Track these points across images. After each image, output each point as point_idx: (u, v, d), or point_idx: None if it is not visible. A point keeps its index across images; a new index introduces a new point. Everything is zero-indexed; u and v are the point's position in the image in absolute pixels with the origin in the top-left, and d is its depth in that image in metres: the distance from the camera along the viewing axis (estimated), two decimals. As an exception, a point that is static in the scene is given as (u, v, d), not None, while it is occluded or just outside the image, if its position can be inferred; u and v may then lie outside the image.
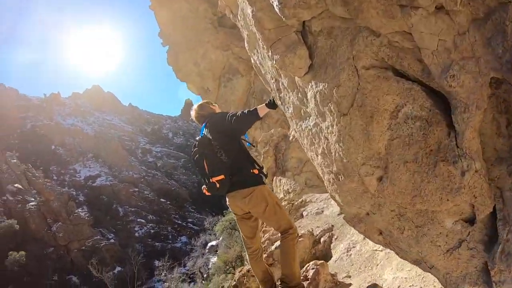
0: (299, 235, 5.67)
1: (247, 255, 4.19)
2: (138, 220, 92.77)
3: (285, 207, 7.94)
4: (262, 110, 3.87)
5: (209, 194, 3.97)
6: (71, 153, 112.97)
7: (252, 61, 4.11)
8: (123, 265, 67.35)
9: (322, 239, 5.70)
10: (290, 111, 3.58)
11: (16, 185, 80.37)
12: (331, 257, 5.23)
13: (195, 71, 16.31)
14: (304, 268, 4.29)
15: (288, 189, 8.71)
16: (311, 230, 5.93)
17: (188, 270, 60.62)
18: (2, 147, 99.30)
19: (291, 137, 9.32)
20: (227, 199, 4.01)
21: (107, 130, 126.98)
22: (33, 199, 79.35)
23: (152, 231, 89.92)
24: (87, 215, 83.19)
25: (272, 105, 4.07)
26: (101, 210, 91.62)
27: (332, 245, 5.44)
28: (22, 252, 62.24)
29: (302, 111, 3.28)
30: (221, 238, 48.83)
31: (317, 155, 3.18)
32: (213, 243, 57.37)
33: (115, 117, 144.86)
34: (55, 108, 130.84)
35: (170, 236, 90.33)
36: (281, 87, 3.57)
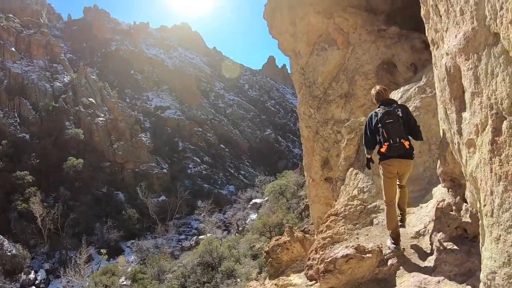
0: (368, 250, 5.41)
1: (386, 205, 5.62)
2: (194, 158, 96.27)
3: (356, 207, 7.47)
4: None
5: (386, 152, 5.32)
6: (148, 81, 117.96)
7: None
8: (168, 196, 70.68)
9: (389, 262, 5.23)
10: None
11: (90, 99, 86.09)
12: (393, 286, 4.90)
13: (290, 31, 15.83)
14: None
15: (363, 187, 8.11)
16: (380, 247, 5.52)
17: (226, 218, 62.87)
18: (85, 62, 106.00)
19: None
20: (392, 161, 5.39)
21: (187, 67, 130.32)
22: (102, 115, 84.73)
23: (204, 172, 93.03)
24: (148, 141, 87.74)
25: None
26: (162, 140, 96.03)
27: (398, 272, 4.99)
28: (81, 160, 67.16)
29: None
30: (266, 199, 49.88)
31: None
32: (258, 200, 58.77)
33: (197, 56, 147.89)
34: (141, 37, 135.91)
35: (219, 182, 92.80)
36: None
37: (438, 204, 5.14)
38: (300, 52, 15.28)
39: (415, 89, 8.77)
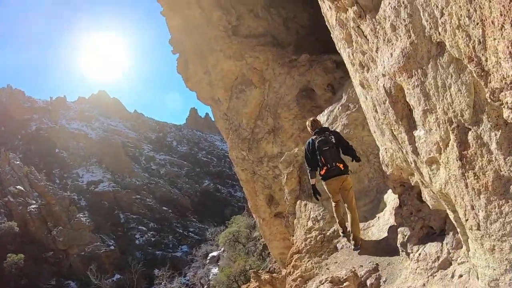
0: (344, 278, 5.29)
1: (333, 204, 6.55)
2: (139, 227, 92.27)
3: (316, 238, 7.26)
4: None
5: (324, 174, 6.22)
6: (74, 157, 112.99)
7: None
8: (122, 273, 66.67)
9: (368, 282, 5.07)
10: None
11: (18, 186, 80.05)
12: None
13: (205, 80, 15.90)
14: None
15: (316, 216, 7.93)
16: (354, 270, 5.32)
17: (188, 280, 60.14)
18: (6, 148, 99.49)
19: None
20: (331, 181, 6.26)
21: (111, 135, 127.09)
22: (34, 202, 78.93)
23: (153, 239, 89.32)
24: (88, 220, 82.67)
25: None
26: (102, 216, 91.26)
27: (381, 289, 4.85)
28: (21, 255, 61.49)
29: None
30: (222, 249, 48.50)
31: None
32: (215, 253, 57.03)
33: (120, 123, 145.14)
34: (60, 112, 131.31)
35: (171, 245, 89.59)
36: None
37: (396, 211, 5.21)
38: (220, 98, 15.33)
39: (338, 108, 9.00)
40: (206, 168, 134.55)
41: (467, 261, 3.56)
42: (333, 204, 6.56)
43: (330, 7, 4.27)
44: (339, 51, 4.94)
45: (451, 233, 4.09)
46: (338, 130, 8.02)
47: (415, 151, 3.32)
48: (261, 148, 13.58)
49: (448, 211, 3.44)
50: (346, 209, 6.38)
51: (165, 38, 17.77)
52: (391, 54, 3.11)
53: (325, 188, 6.48)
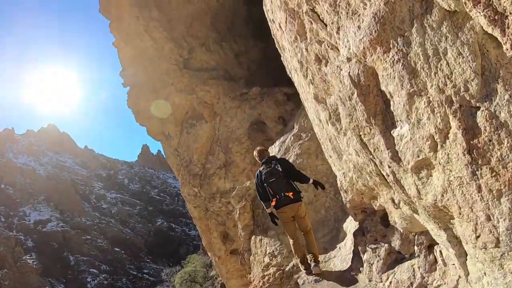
0: None
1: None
2: (91, 270, 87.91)
3: (274, 274, 6.84)
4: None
5: (276, 205, 6.08)
6: (21, 194, 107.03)
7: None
8: (74, 321, 63.23)
9: None
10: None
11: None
12: None
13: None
14: None
15: (273, 251, 7.53)
16: None
17: (147, 326, 57.43)
18: None
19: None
20: (284, 209, 6.07)
21: (61, 172, 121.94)
22: (-24, 244, 73.67)
23: (105, 282, 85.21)
24: (35, 262, 78.14)
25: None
26: (50, 258, 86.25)
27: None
28: (-35, 301, 56.98)
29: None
30: (179, 291, 46.80)
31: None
32: (172, 295, 54.89)
33: (70, 159, 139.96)
34: (7, 144, 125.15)
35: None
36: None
37: (359, 239, 4.95)
38: (170, 133, 14.99)
39: (290, 138, 8.90)
40: (159, 207, 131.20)
41: (444, 284, 3.29)
42: (291, 242, 6.30)
43: (274, 20, 4.07)
44: (289, 75, 4.79)
45: (422, 255, 3.81)
46: (291, 161, 7.89)
47: (395, 157, 2.60)
48: (213, 184, 13.28)
49: (436, 231, 2.79)
50: (303, 235, 6.26)
51: (118, 71, 17.28)
52: (359, 27, 2.48)
53: (281, 222, 6.30)
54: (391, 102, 2.43)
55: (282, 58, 4.86)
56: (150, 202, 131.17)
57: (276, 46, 5.04)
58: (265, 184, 6.13)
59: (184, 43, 14.77)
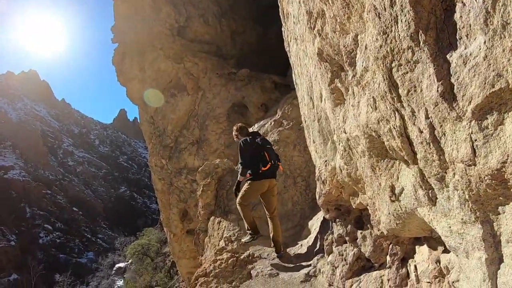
0: None
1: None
2: (45, 225, 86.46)
3: (227, 261, 6.56)
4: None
5: (266, 170, 5.95)
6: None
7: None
8: (20, 273, 62.21)
9: None
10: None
11: None
12: None
13: (139, 77, 15.08)
14: None
15: (230, 236, 7.16)
16: None
17: (90, 290, 56.78)
18: None
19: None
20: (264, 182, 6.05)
21: (33, 120, 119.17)
22: None
23: (58, 240, 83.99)
24: (-11, 208, 76.54)
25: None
26: (7, 206, 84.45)
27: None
28: None
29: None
30: (130, 261, 46.40)
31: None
32: (121, 265, 54.60)
33: (44, 109, 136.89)
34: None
35: (76, 250, 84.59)
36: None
37: (327, 238, 4.63)
38: (150, 99, 14.59)
39: (271, 123, 8.71)
40: (125, 174, 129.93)
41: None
42: (242, 205, 6.27)
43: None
44: (287, 48, 4.43)
45: (393, 267, 3.49)
46: None
47: (447, 95, 1.70)
48: (182, 159, 12.99)
49: (460, 227, 1.99)
50: (268, 217, 6.23)
51: (110, 26, 16.65)
52: None
53: (248, 190, 6.14)
54: (458, 6, 1.61)
55: (283, 29, 4.58)
56: (117, 168, 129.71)
57: (280, 14, 4.73)
58: (262, 149, 6.06)
59: (183, 9, 14.37)
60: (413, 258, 3.26)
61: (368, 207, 3.49)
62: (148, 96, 14.36)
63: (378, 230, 3.43)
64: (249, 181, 6.12)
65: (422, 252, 3.15)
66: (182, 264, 15.62)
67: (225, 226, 7.77)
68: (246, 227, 6.45)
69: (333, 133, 3.60)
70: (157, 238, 41.99)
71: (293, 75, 5.79)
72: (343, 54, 2.84)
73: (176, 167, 13.20)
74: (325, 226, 5.49)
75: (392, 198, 2.59)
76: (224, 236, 7.57)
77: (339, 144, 3.43)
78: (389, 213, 2.77)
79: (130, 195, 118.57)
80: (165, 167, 13.83)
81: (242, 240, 6.59)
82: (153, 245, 41.33)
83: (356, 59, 2.65)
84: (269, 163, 5.98)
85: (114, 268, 56.55)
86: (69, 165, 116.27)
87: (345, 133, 3.14)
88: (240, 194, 6.22)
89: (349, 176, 3.34)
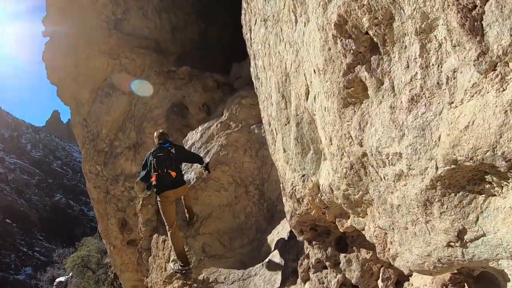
0: None
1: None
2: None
3: None
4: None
5: (156, 182, 5.86)
6: None
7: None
8: None
9: None
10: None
11: None
12: None
13: (72, 74, 14.17)
14: None
15: None
16: None
17: (31, 309, 54.25)
18: None
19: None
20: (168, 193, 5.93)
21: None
22: None
23: (-9, 257, 79.67)
24: None
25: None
26: None
27: None
28: None
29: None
30: (70, 275, 44.65)
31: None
32: (62, 279, 52.52)
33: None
34: None
35: (13, 265, 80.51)
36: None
37: (301, 263, 4.14)
38: (82, 100, 13.73)
39: (217, 125, 8.20)
40: (60, 180, 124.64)
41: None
42: (170, 231, 6.03)
43: None
44: (248, 26, 3.85)
45: None
46: (213, 151, 7.39)
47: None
48: (118, 164, 12.38)
49: None
50: (186, 206, 6.64)
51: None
52: None
53: (162, 209, 6.04)
54: None
55: (243, 12, 3.95)
56: (51, 174, 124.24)
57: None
58: (151, 159, 6.01)
59: (122, 0, 13.61)
60: (408, 281, 2.94)
61: (363, 232, 2.84)
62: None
63: (390, 265, 2.92)
64: (158, 198, 6.07)
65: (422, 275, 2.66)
66: (125, 277, 14.90)
67: (171, 246, 6.80)
68: (175, 256, 6.21)
69: (320, 142, 2.91)
70: (97, 248, 40.79)
71: (252, 69, 4.81)
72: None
73: (112, 174, 12.54)
74: (289, 246, 5.00)
75: (452, 243, 1.90)
76: (171, 258, 6.80)
77: (338, 158, 2.64)
78: (428, 255, 2.11)
79: (66, 203, 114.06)
80: (100, 174, 13.10)
81: (170, 264, 6.32)
82: (93, 256, 40.22)
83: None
84: (156, 173, 5.89)
85: (55, 283, 54.76)
86: (0, 172, 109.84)
87: (361, 146, 2.33)
88: (164, 220, 6.15)
89: (346, 198, 2.62)
